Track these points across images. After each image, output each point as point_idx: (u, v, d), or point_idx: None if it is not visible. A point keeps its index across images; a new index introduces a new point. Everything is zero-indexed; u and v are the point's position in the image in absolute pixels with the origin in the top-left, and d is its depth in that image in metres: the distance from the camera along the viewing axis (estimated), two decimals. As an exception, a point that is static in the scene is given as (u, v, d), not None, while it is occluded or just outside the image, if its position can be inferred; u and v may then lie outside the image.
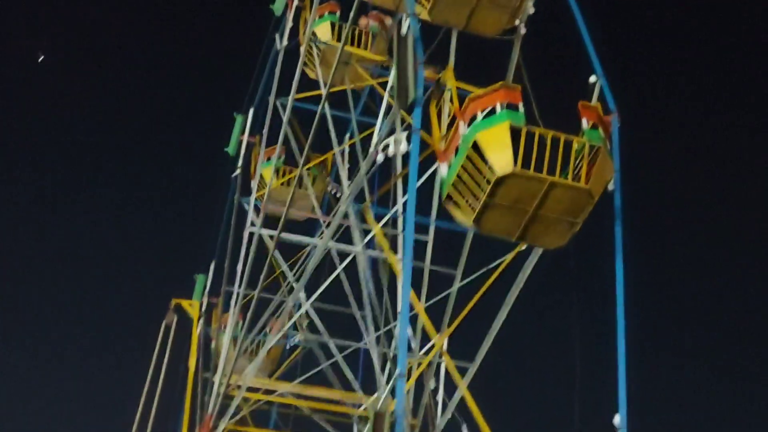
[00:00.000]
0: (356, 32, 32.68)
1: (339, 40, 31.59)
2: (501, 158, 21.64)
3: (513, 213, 22.39)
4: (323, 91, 30.30)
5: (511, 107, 22.16)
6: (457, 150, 22.65)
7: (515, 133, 21.67)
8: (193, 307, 38.07)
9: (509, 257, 25.83)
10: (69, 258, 72.45)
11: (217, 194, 39.45)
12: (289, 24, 34.98)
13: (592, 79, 24.92)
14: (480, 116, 22.26)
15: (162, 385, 37.00)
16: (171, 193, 77.61)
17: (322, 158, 36.14)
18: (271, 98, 34.65)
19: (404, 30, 23.43)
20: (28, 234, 73.16)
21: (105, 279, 71.28)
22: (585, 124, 22.70)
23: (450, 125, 24.02)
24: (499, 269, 26.06)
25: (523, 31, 27.89)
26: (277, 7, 36.56)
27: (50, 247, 72.83)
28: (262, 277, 31.58)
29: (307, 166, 33.18)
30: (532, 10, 27.43)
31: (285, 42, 35.09)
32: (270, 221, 32.93)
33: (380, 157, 25.90)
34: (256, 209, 33.97)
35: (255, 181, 36.46)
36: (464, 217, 22.95)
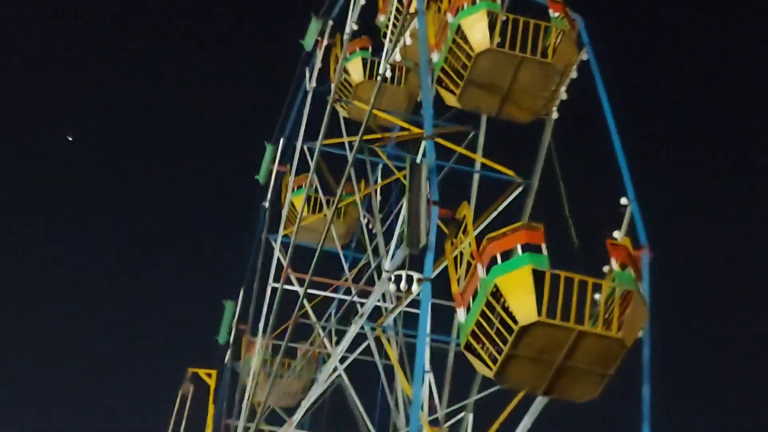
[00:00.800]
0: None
1: (371, 76, 32.66)
2: (523, 306, 20.03)
3: (538, 364, 20.74)
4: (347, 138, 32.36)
5: (534, 249, 20.90)
6: (475, 294, 21.05)
7: (538, 278, 20.25)
8: (210, 377, 37.43)
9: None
10: (86, 327, 71.68)
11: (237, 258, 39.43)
12: (318, 65, 35.59)
13: (624, 201, 24.58)
14: (499, 259, 20.79)
15: None
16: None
17: (350, 200, 35.09)
18: (299, 143, 35.44)
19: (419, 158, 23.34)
20: (47, 299, 71.59)
21: (120, 346, 69.23)
22: (614, 264, 21.21)
23: (468, 265, 22.39)
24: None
25: (555, 115, 27.56)
26: (307, 43, 37.25)
27: (67, 315, 71.46)
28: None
29: (340, 203, 33.31)
30: (565, 96, 26.75)
31: (314, 83, 35.86)
32: (298, 260, 33.33)
33: (392, 287, 25.38)
34: (284, 246, 34.63)
35: (284, 210, 36.50)
36: (485, 369, 21.30)
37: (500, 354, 20.48)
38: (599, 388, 21.16)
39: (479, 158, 29.51)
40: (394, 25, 29.33)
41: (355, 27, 33.21)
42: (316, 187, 35.10)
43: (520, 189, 27.83)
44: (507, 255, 20.82)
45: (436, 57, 25.76)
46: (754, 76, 75.23)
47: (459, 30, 24.75)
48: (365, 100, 31.59)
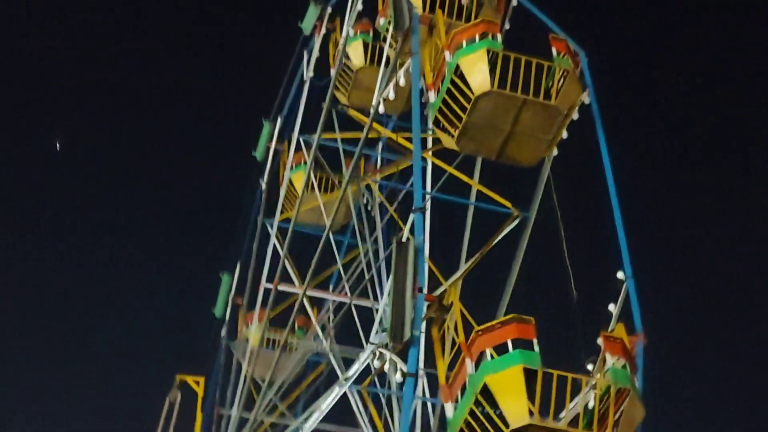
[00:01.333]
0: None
1: (372, 60, 31.80)
2: (515, 409, 19.15)
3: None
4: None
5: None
6: (464, 389, 20.00)
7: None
8: (198, 384, 35.81)
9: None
10: (74, 331, 70.81)
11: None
12: (316, 53, 34.70)
13: (620, 276, 24.07)
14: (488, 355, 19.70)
15: None
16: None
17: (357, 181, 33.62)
18: (295, 134, 34.89)
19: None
20: (34, 303, 69.38)
21: (108, 351, 67.50)
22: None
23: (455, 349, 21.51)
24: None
25: (554, 152, 26.52)
26: (306, 26, 35.95)
27: (55, 319, 70.04)
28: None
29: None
30: (565, 135, 25.85)
31: (311, 73, 34.98)
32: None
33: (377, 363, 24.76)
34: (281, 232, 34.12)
35: (283, 188, 35.92)
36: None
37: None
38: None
39: (476, 185, 28.38)
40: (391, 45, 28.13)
41: (360, 7, 32.17)
42: (316, 168, 34.33)
43: (517, 221, 27.01)
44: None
45: (432, 97, 25.07)
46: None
47: (458, 69, 23.96)
48: (365, 85, 31.09)
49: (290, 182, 35.74)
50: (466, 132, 24.20)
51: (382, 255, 30.43)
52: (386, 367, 23.89)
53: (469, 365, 19.86)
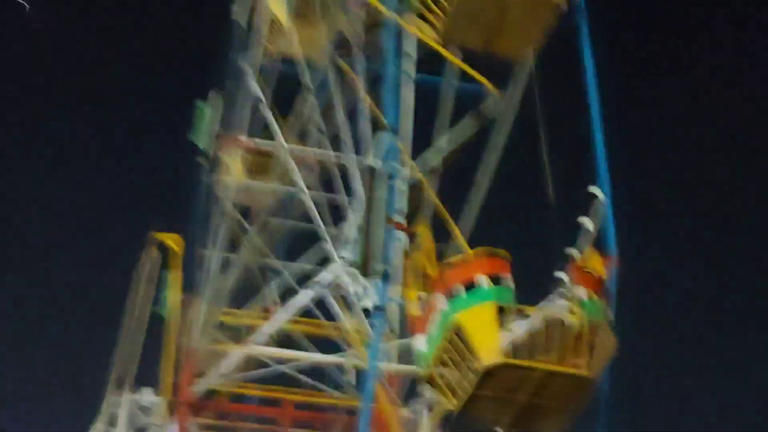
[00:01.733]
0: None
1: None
2: (487, 346, 18.45)
3: (504, 403, 19.45)
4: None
5: (502, 278, 19.19)
6: (437, 321, 19.40)
7: (502, 313, 18.68)
8: (174, 242, 34.55)
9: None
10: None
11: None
12: None
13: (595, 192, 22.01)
14: (461, 289, 19.03)
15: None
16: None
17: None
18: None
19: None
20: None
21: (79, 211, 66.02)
22: (582, 293, 19.36)
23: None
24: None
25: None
26: None
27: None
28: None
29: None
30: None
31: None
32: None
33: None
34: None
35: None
36: (448, 404, 19.83)
37: (464, 392, 19.01)
38: (566, 422, 20.08)
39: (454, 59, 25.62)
40: None
41: None
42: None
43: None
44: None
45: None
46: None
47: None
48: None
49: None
50: (451, 24, 22.89)
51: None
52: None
53: (440, 299, 19.21)
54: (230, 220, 32.57)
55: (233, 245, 32.57)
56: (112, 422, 32.71)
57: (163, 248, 34.42)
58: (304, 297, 26.47)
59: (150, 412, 32.52)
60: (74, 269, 62.28)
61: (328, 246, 25.91)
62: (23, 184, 65.67)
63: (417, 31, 23.62)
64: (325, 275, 25.41)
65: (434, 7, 22.76)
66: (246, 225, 32.50)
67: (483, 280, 18.83)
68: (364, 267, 20.69)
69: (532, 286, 20.75)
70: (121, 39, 73.63)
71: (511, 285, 19.03)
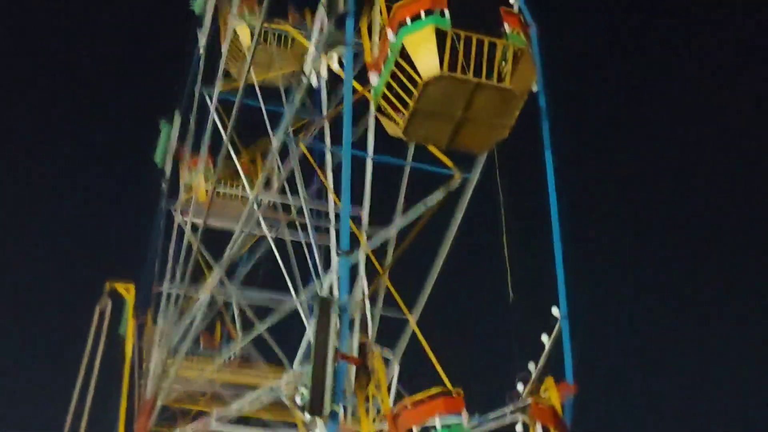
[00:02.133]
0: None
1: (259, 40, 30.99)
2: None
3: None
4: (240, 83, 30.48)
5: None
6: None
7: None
8: (128, 291, 36.73)
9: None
10: None
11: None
12: (208, 24, 35.33)
13: (555, 313, 23.48)
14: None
15: (97, 375, 35.05)
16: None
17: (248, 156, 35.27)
18: (197, 89, 35.18)
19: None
20: None
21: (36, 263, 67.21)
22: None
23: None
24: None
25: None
26: (198, 5, 36.63)
27: None
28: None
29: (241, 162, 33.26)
30: None
31: (204, 42, 35.47)
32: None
33: (314, 80, 26.36)
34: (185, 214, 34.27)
35: (182, 192, 36.11)
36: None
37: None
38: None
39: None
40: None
41: None
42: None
43: (458, 184, 26.10)
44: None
45: (375, 80, 22.99)
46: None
47: (403, 51, 21.98)
48: (257, 61, 30.60)
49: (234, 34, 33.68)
50: (413, 120, 22.37)
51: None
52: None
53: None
54: (191, 247, 32.79)
55: (195, 276, 32.68)
56: None
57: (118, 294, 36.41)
58: (260, 395, 27.75)
59: None
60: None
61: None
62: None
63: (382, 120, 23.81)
64: (281, 381, 26.43)
65: (397, 104, 22.40)
66: (207, 257, 32.79)
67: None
68: (311, 408, 19.97)
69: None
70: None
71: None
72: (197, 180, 35.04)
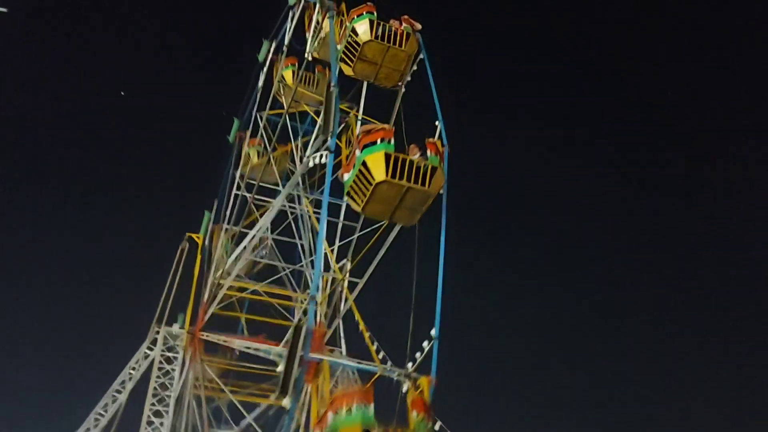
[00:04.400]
0: (308, 76, 50.46)
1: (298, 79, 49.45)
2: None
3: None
4: (285, 109, 48.41)
5: (387, 141, 34.12)
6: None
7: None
8: (199, 238, 53.74)
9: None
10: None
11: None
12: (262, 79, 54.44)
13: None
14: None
15: (177, 288, 51.00)
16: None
17: (283, 149, 52.99)
18: (253, 113, 54.23)
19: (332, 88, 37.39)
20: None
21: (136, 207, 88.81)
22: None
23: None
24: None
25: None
26: (261, 55, 55.18)
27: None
28: (242, 217, 48.71)
29: (274, 154, 50.78)
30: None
31: (261, 84, 54.60)
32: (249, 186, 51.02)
33: (311, 163, 40.34)
34: (242, 178, 52.39)
35: (242, 161, 54.36)
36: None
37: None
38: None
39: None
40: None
41: None
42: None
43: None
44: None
45: (346, 177, 34.72)
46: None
47: (364, 163, 33.57)
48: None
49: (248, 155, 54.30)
50: (368, 204, 34.18)
51: None
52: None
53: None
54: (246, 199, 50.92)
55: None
56: (154, 343, 50.23)
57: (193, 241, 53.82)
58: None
59: (176, 338, 50.01)
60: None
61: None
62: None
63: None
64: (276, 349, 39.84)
65: (359, 192, 34.17)
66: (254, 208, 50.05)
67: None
68: (281, 389, 31.50)
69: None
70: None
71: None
72: (253, 153, 53.95)
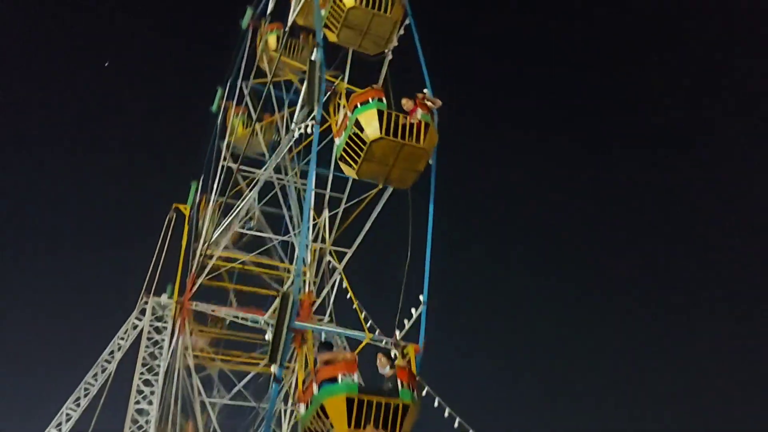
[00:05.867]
0: (293, 43, 48.85)
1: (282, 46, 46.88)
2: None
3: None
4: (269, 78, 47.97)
5: (379, 100, 33.20)
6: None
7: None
8: (186, 209, 53.82)
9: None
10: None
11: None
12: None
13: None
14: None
15: (164, 259, 51.16)
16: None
17: (270, 120, 52.64)
18: (239, 82, 52.85)
19: (314, 57, 36.94)
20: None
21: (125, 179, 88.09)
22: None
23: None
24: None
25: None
26: (244, 23, 54.18)
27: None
28: (228, 188, 49.04)
29: (260, 123, 50.58)
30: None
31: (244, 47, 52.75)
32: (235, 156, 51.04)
33: (297, 134, 39.64)
34: (228, 147, 52.40)
35: (228, 131, 53.76)
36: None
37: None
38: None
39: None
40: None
41: None
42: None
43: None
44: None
45: (338, 141, 34.07)
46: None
47: (357, 122, 32.57)
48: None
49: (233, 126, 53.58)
50: (363, 165, 33.08)
51: None
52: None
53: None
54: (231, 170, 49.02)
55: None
56: (142, 313, 50.47)
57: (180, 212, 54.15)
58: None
59: (165, 308, 50.32)
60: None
61: None
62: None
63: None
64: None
65: (352, 155, 33.39)
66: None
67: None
68: (270, 358, 31.46)
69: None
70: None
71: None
72: (238, 123, 53.40)
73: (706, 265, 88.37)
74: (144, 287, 51.10)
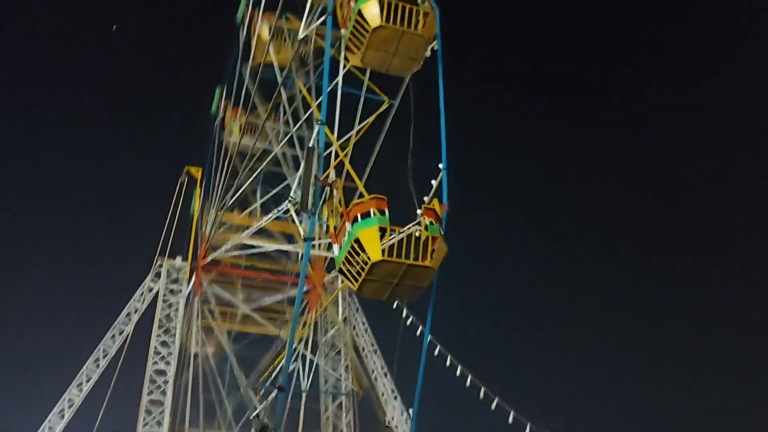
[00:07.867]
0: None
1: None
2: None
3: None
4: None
5: (381, 213, 31.79)
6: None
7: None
8: (198, 172, 54.15)
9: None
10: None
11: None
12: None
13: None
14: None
15: (177, 222, 51.75)
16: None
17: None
18: (237, 69, 50.21)
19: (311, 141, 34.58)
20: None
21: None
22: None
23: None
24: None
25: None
26: (239, 17, 51.71)
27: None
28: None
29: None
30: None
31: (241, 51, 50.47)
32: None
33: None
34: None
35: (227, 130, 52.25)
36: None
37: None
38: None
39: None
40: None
41: None
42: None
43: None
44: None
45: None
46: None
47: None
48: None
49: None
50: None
51: None
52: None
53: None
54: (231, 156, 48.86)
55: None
56: (158, 275, 50.51)
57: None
58: (273, 214, 41.25)
59: (180, 270, 50.35)
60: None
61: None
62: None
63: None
64: (284, 205, 39.34)
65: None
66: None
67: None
68: (302, 206, 33.16)
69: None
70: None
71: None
72: (236, 125, 51.20)
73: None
74: (158, 250, 50.48)
